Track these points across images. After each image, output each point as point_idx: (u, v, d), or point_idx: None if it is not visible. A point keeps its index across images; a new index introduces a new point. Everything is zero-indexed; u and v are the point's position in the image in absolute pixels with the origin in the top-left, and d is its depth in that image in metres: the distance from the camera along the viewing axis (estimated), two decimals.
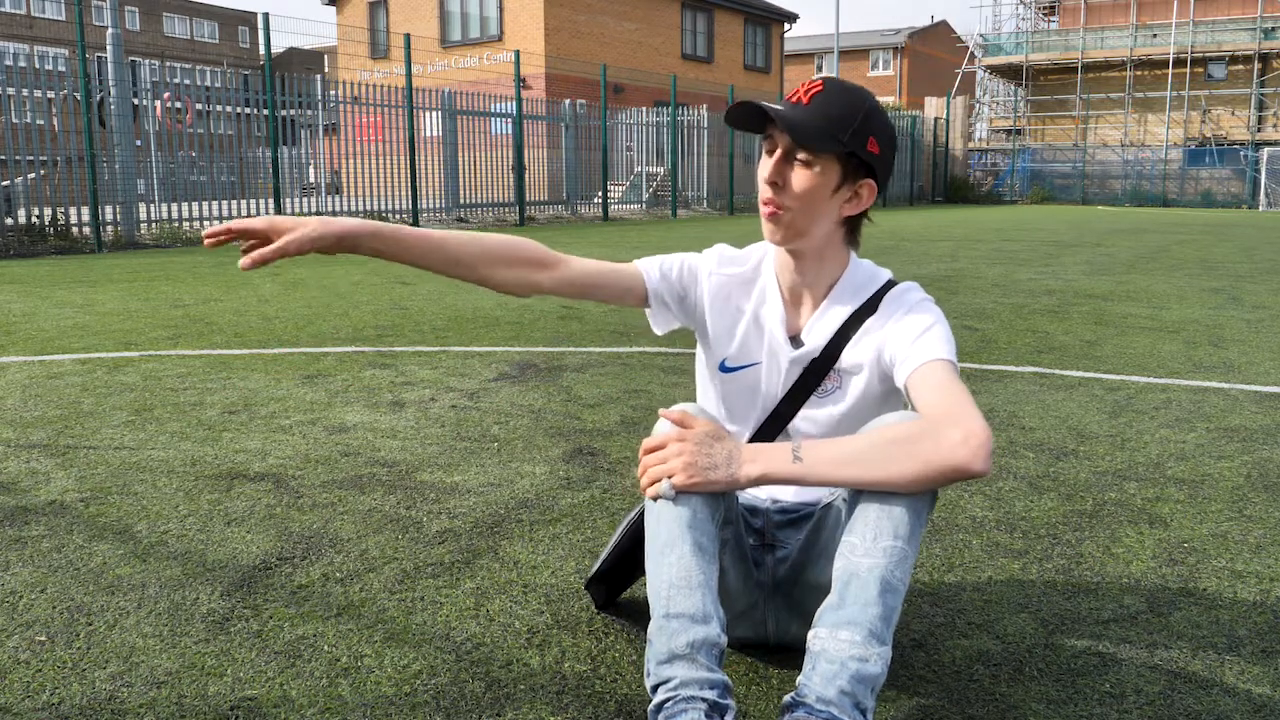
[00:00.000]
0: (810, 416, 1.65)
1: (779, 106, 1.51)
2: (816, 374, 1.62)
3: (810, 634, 1.38)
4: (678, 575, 1.39)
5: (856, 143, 1.50)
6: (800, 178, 1.52)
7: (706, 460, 1.40)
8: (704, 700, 1.31)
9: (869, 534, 1.38)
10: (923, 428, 1.37)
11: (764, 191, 1.55)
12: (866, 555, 1.37)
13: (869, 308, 1.61)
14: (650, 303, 1.70)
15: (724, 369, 1.70)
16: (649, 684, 1.37)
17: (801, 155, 1.51)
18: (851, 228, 1.62)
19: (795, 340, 1.65)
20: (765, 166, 1.54)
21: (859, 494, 1.42)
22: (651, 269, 1.70)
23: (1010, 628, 1.85)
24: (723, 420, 1.73)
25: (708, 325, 1.70)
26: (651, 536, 1.45)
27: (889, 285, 1.64)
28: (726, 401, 1.73)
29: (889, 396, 1.62)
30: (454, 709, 1.56)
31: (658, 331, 1.75)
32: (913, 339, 1.53)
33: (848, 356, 1.60)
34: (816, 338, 1.62)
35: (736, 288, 1.70)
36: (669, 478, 1.41)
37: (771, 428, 1.67)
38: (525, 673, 1.68)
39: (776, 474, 1.39)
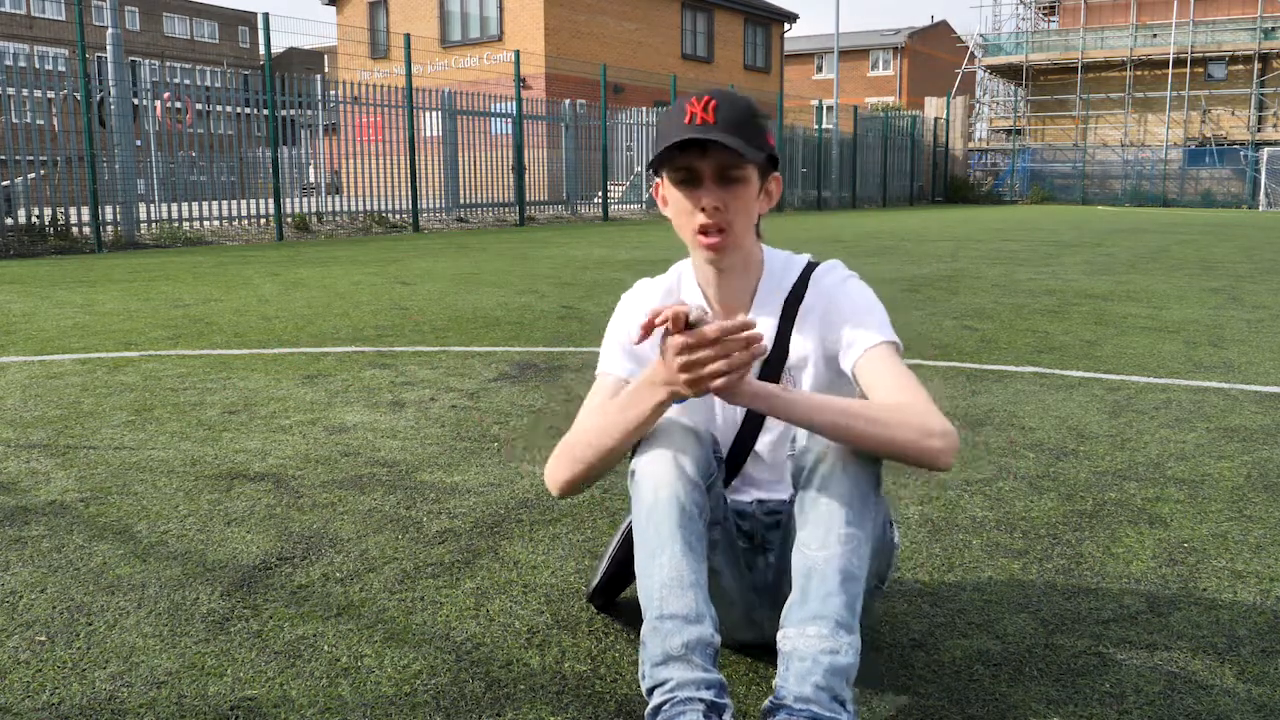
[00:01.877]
0: (773, 425, 1.65)
1: (694, 134, 1.46)
2: (770, 376, 1.61)
3: (779, 634, 1.38)
4: (669, 576, 1.39)
5: (764, 144, 1.53)
6: (738, 193, 1.52)
7: (727, 365, 1.35)
8: (701, 701, 1.31)
9: (820, 528, 1.39)
10: (907, 415, 1.40)
11: (697, 219, 1.51)
12: (822, 548, 1.38)
13: (796, 296, 1.61)
14: None
15: (678, 400, 1.68)
16: (645, 686, 1.37)
17: (732, 173, 1.50)
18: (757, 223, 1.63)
19: None
20: (700, 196, 1.50)
21: (805, 490, 1.43)
22: (618, 365, 1.65)
23: (1010, 628, 1.85)
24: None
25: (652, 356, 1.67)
26: (640, 539, 1.45)
27: (809, 268, 1.64)
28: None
29: (838, 383, 1.62)
30: (454, 709, 1.56)
31: None
32: (852, 323, 1.54)
33: (793, 351, 1.60)
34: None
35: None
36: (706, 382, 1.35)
37: (744, 439, 1.66)
38: (525, 673, 1.68)
39: (771, 393, 1.40)
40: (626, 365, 1.65)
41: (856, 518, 1.39)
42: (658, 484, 1.45)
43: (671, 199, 1.56)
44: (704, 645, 1.36)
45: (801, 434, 1.54)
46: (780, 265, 1.65)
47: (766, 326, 1.61)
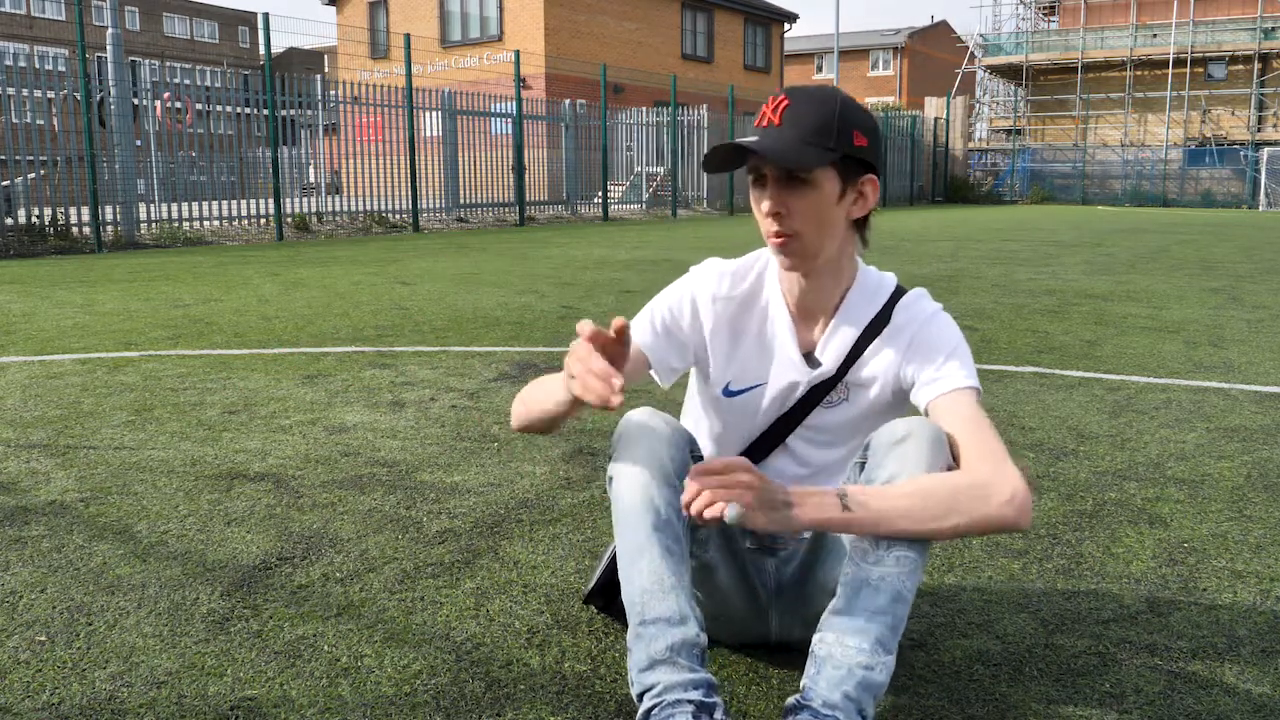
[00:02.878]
0: (813, 424, 1.61)
1: (754, 138, 1.44)
2: (824, 390, 1.58)
3: (816, 637, 1.37)
4: (649, 581, 1.38)
5: (844, 144, 1.43)
6: (803, 199, 1.45)
7: (769, 498, 1.33)
8: (690, 702, 1.31)
9: (882, 542, 1.36)
10: (969, 484, 1.35)
11: (768, 225, 1.48)
12: (879, 564, 1.36)
13: (881, 320, 1.55)
14: (655, 367, 1.61)
15: (728, 393, 1.64)
16: (634, 692, 1.37)
17: (798, 174, 1.44)
18: (859, 229, 1.55)
19: (809, 357, 1.58)
20: (762, 200, 1.47)
21: None
22: (645, 334, 1.60)
23: (1010, 628, 1.85)
24: (711, 445, 1.69)
25: (708, 352, 1.63)
26: (621, 546, 1.44)
27: (898, 293, 1.59)
28: (725, 425, 1.67)
29: (895, 408, 1.59)
30: (454, 709, 1.56)
31: (663, 385, 1.62)
32: (938, 362, 1.49)
33: (861, 371, 1.56)
34: (832, 355, 1.56)
35: (739, 309, 1.61)
36: (736, 502, 1.31)
37: (765, 444, 1.63)
38: (525, 673, 1.68)
39: (828, 521, 1.36)
40: (652, 340, 1.59)
41: (919, 542, 1.37)
42: (632, 489, 1.43)
43: (752, 196, 1.52)
44: (689, 646, 1.35)
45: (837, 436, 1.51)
46: (873, 283, 1.59)
47: (844, 342, 1.56)
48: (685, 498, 1.32)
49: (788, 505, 1.34)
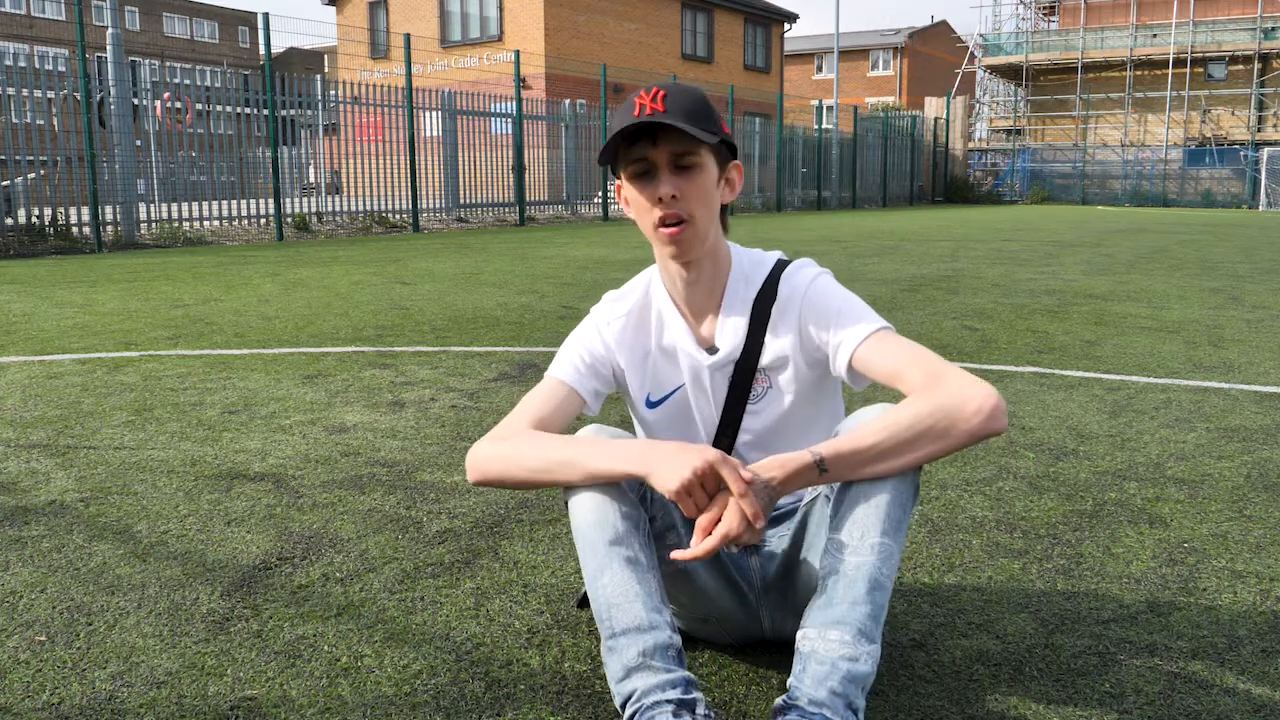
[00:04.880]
0: (753, 427, 1.62)
1: (662, 117, 1.45)
2: (744, 375, 1.59)
3: (799, 634, 1.38)
4: (613, 594, 1.39)
5: (718, 129, 1.48)
6: (693, 183, 1.48)
7: (763, 504, 1.35)
8: (669, 701, 1.31)
9: (855, 531, 1.37)
10: (933, 407, 1.37)
11: (655, 213, 1.49)
12: (854, 553, 1.36)
13: (768, 295, 1.58)
14: (587, 400, 1.63)
15: (650, 404, 1.67)
16: (616, 704, 1.38)
17: (685, 160, 1.47)
18: (724, 215, 1.60)
19: (710, 350, 1.61)
20: (654, 188, 1.48)
21: (845, 489, 1.41)
22: (569, 372, 1.62)
23: (1010, 628, 1.85)
24: None
25: (626, 375, 1.66)
26: (583, 565, 1.45)
27: (780, 266, 1.61)
28: (661, 436, 1.68)
29: (821, 384, 1.61)
30: (454, 709, 1.56)
31: (593, 411, 1.66)
32: (835, 320, 1.51)
33: (767, 352, 1.58)
34: (729, 340, 1.59)
35: (634, 324, 1.65)
36: (747, 537, 1.34)
37: (722, 442, 1.64)
38: (525, 673, 1.68)
39: (808, 485, 1.40)
40: (584, 381, 1.62)
41: (893, 528, 1.37)
42: (587, 508, 1.44)
43: (630, 196, 1.53)
44: (661, 648, 1.36)
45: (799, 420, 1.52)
46: (750, 263, 1.61)
47: (736, 326, 1.58)
48: (700, 551, 1.35)
49: (769, 489, 1.37)
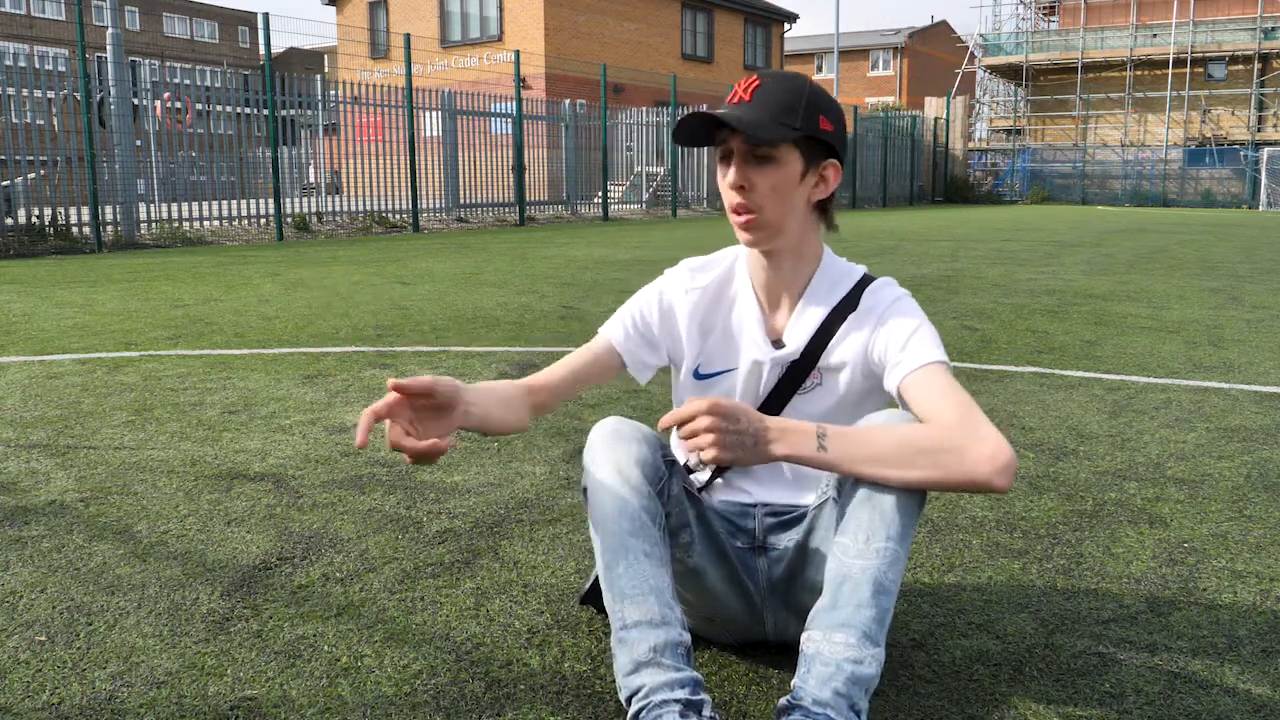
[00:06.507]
0: (792, 414, 1.62)
1: (723, 110, 1.49)
2: (799, 374, 1.61)
3: (804, 636, 1.38)
4: (627, 586, 1.39)
5: (809, 125, 1.48)
6: (765, 174, 1.49)
7: (735, 439, 1.36)
8: (677, 701, 1.31)
9: (861, 535, 1.38)
10: (949, 438, 1.37)
11: (731, 198, 1.53)
12: (859, 556, 1.37)
13: (848, 304, 1.59)
14: (628, 364, 1.67)
15: (698, 376, 1.68)
16: (622, 697, 1.37)
17: (760, 151, 1.49)
18: (823, 213, 1.60)
19: (776, 343, 1.63)
20: (727, 174, 1.52)
21: (852, 493, 1.42)
22: (617, 332, 1.67)
23: (1010, 628, 1.85)
24: None
25: (683, 341, 1.67)
26: (598, 555, 1.45)
27: (865, 280, 1.62)
28: None
29: (871, 394, 1.61)
30: (454, 709, 1.56)
31: (641, 382, 1.71)
32: (902, 341, 1.51)
33: (831, 355, 1.59)
34: (797, 337, 1.60)
35: (709, 299, 1.67)
36: (699, 453, 1.36)
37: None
38: (525, 673, 1.68)
39: (801, 457, 1.39)
40: (627, 343, 1.66)
41: (899, 533, 1.37)
42: (605, 498, 1.44)
43: (719, 175, 1.57)
44: (673, 646, 1.36)
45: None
46: (838, 271, 1.63)
47: (809, 325, 1.59)
48: (669, 416, 1.38)
49: (759, 440, 1.37)
